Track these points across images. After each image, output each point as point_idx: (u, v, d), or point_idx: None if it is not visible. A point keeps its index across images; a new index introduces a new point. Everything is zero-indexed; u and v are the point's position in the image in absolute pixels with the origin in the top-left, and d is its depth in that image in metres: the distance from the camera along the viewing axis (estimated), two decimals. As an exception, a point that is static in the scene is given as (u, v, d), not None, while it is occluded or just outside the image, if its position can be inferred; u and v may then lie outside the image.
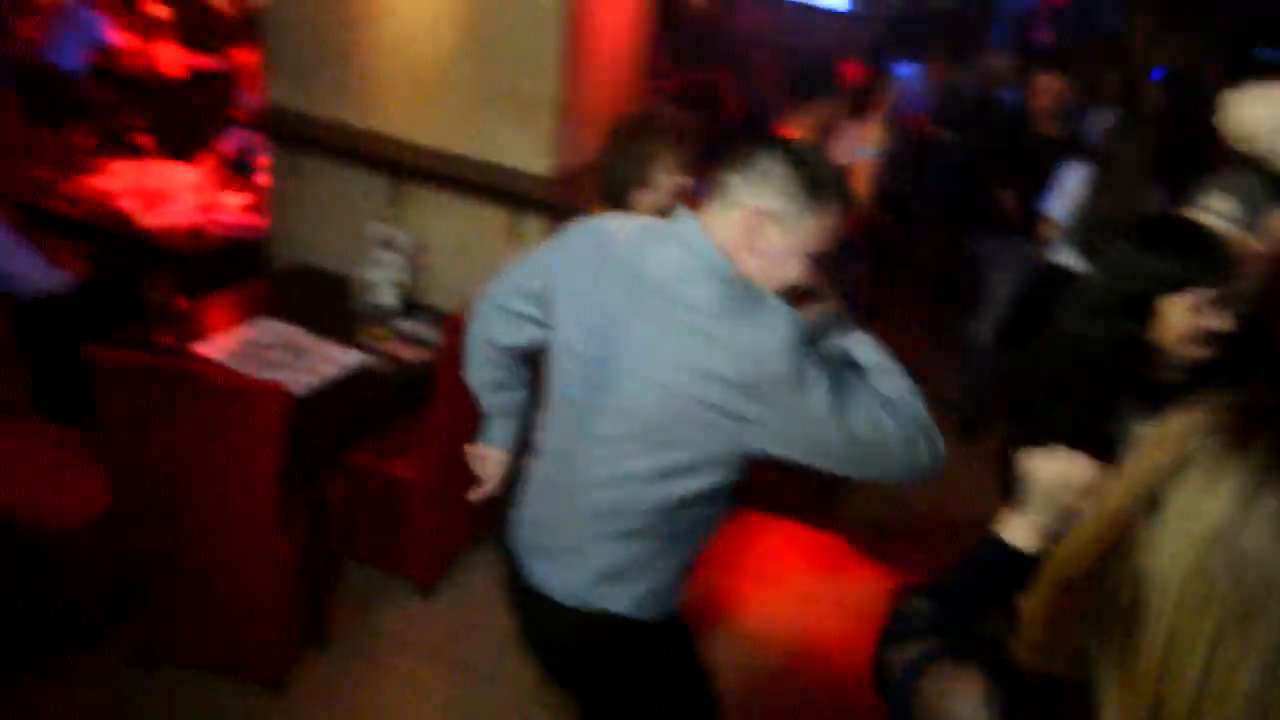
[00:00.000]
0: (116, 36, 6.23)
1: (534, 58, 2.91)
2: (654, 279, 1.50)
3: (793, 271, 1.50)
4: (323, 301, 3.19)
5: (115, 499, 2.43)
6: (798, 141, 1.57)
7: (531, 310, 1.74)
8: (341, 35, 3.17)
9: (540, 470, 1.76)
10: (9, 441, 2.78)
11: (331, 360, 2.80)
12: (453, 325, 2.67)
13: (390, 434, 3.04)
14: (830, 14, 10.70)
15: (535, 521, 1.77)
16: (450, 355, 2.70)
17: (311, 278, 3.38)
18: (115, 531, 2.51)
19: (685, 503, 1.57)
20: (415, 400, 2.86)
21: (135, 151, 3.92)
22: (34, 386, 3.02)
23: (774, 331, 1.41)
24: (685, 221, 1.53)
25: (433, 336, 3.00)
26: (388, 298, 3.14)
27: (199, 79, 6.21)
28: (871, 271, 4.41)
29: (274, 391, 2.21)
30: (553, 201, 2.99)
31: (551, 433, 1.71)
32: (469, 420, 3.00)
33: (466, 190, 3.11)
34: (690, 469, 1.53)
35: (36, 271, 3.07)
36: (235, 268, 3.61)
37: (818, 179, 1.46)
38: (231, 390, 2.20)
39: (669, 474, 1.54)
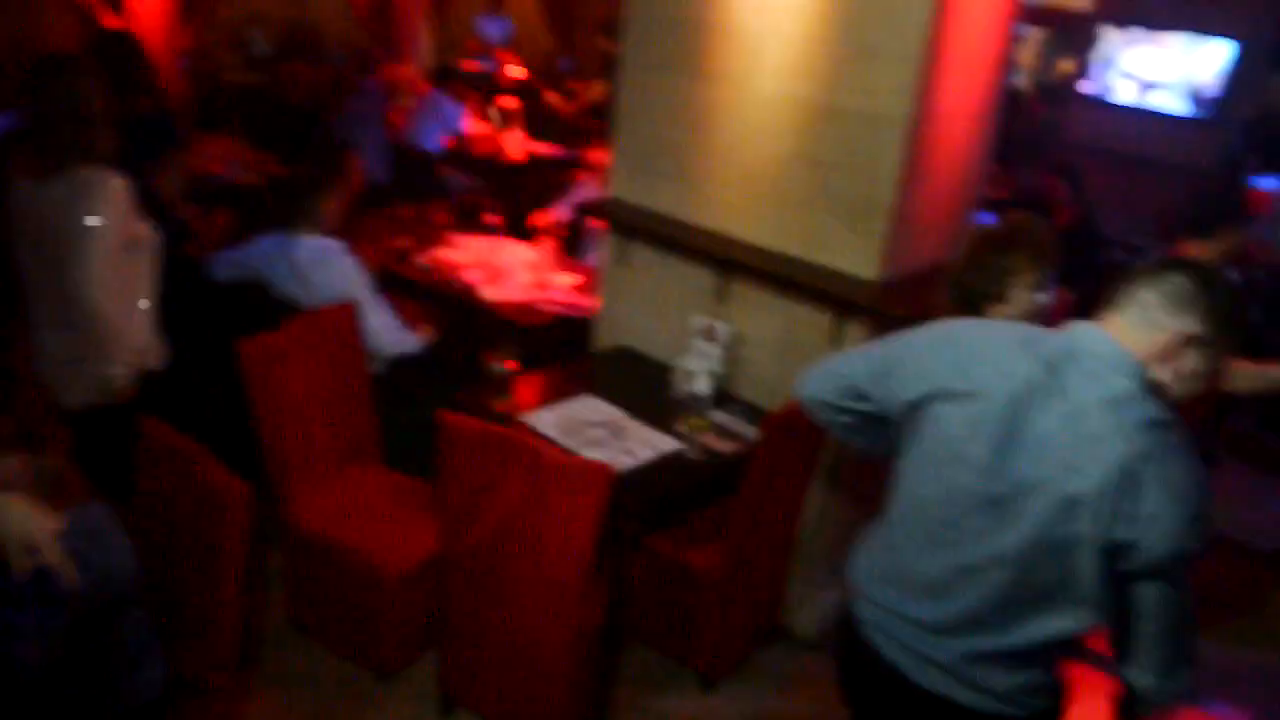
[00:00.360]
0: (471, 124, 6.96)
1: (871, 165, 2.90)
2: (1063, 384, 1.59)
3: (1199, 389, 1.59)
4: (641, 384, 3.32)
5: (443, 548, 2.61)
6: (1212, 268, 1.62)
7: (861, 406, 1.96)
8: (682, 136, 3.33)
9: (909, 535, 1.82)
10: (360, 486, 3.09)
11: (648, 444, 2.89)
12: (770, 423, 2.68)
13: (692, 523, 3.08)
14: (1171, 119, 10.01)
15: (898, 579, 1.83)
16: (764, 452, 2.71)
17: (632, 360, 3.53)
18: (437, 578, 2.70)
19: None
20: (720, 492, 2.89)
21: (485, 229, 4.30)
22: (383, 437, 3.34)
23: None
24: (1092, 331, 1.64)
25: (746, 431, 3.02)
26: (703, 387, 3.21)
27: (540, 165, 6.79)
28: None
29: (600, 470, 2.30)
30: (878, 308, 2.94)
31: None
32: (772, 521, 3.02)
33: (790, 289, 3.14)
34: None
35: (395, 333, 3.42)
36: (562, 344, 3.86)
37: (1237, 310, 1.56)
38: (562, 465, 2.31)
39: None
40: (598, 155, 4.45)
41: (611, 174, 3.59)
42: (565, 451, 2.71)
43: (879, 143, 2.88)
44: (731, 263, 3.24)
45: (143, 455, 2.29)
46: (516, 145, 6.82)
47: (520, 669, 2.64)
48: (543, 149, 7.04)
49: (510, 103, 7.07)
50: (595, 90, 6.93)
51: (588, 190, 4.66)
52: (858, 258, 3.01)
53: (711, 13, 3.18)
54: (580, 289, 4.14)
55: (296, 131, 6.29)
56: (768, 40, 3.08)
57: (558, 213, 4.60)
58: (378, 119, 6.47)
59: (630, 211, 3.52)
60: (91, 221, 2.56)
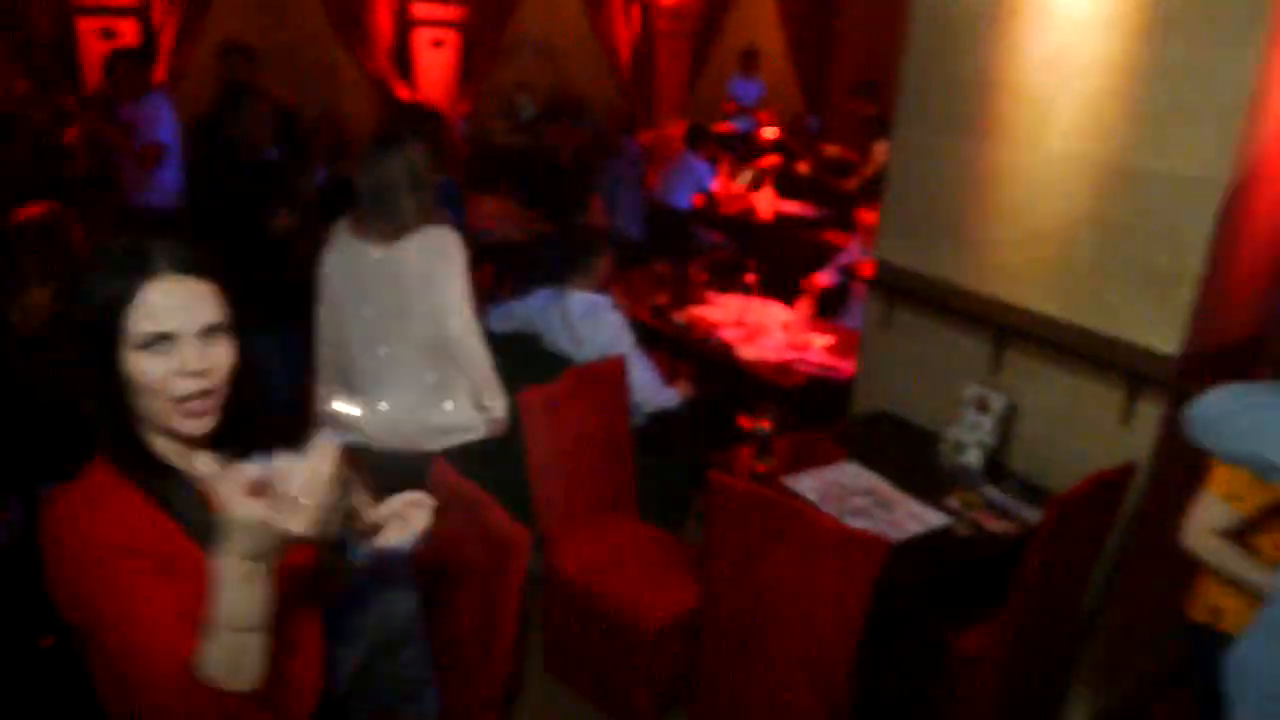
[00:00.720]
0: (721, 184, 7.08)
1: (1176, 234, 2.68)
2: None
3: None
4: (904, 453, 3.19)
5: (704, 607, 2.60)
6: None
7: None
8: (958, 198, 3.22)
9: None
10: (617, 537, 3.14)
11: (916, 517, 2.76)
12: (1057, 505, 2.49)
13: (958, 606, 2.91)
14: None
15: None
16: (1046, 535, 2.52)
17: (894, 427, 3.42)
18: (694, 635, 2.68)
19: None
20: (989, 574, 2.72)
21: (741, 288, 4.33)
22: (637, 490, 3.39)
23: None
24: None
25: (1022, 510, 2.84)
26: (973, 460, 3.05)
27: (788, 224, 6.79)
28: None
29: (876, 543, 2.21)
30: (1179, 385, 2.69)
31: None
32: (1049, 609, 2.80)
33: (1075, 360, 2.94)
34: None
35: (656, 387, 3.48)
36: (817, 406, 3.80)
37: None
38: (838, 534, 2.24)
39: None
40: (865, 216, 4.38)
41: (879, 235, 3.52)
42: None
43: (1185, 207, 2.66)
44: (1009, 330, 3.08)
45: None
46: (767, 205, 6.86)
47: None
48: (792, 208, 7.05)
49: (769, 161, 7.15)
50: (879, 154, 6.85)
51: (853, 252, 4.59)
52: (1154, 329, 2.77)
53: (995, 71, 3.07)
54: (834, 351, 4.07)
55: (561, 190, 6.62)
56: (1058, 98, 2.92)
57: (825, 276, 4.55)
58: (636, 178, 6.71)
59: (898, 274, 3.43)
60: (454, 271, 2.78)
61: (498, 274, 5.55)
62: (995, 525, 2.77)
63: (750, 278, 4.29)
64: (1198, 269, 2.66)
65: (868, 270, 3.54)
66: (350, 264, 2.80)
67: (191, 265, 1.21)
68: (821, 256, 6.32)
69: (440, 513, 2.38)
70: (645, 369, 3.44)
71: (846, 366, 3.96)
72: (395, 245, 2.77)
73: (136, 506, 1.21)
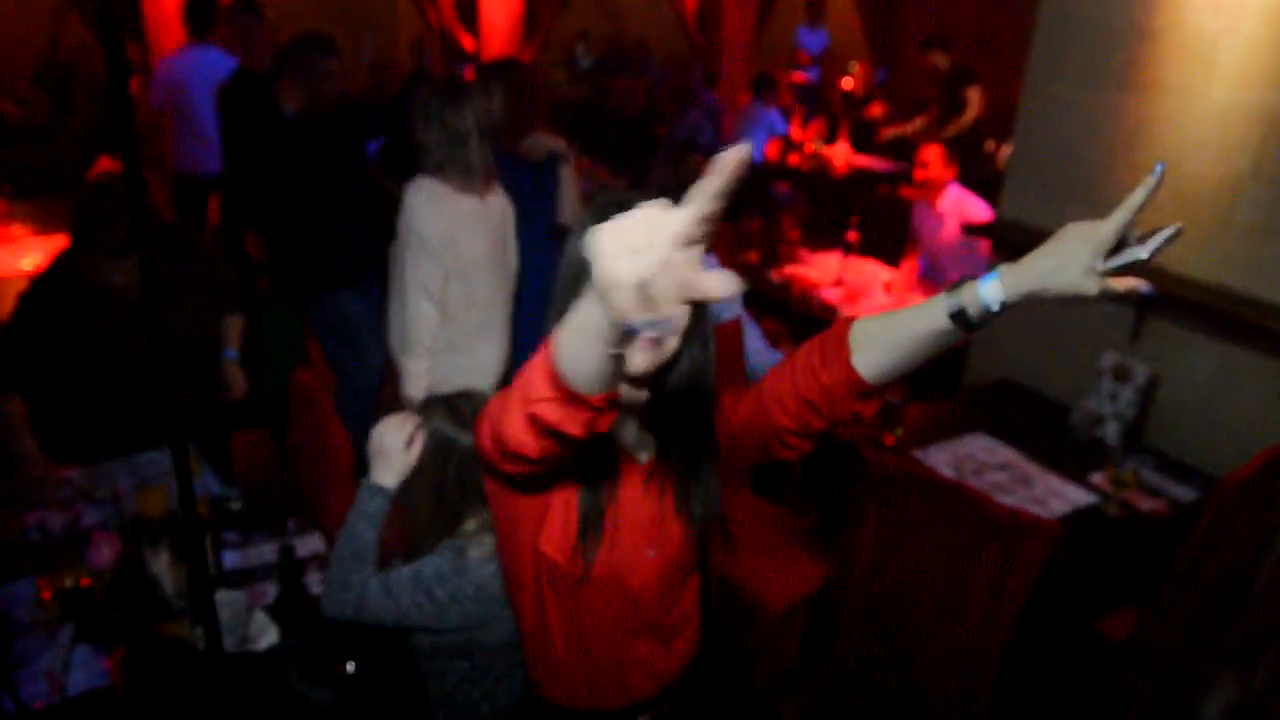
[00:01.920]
0: (796, 134, 6.83)
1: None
2: None
3: None
4: (1035, 424, 3.02)
5: (841, 584, 2.46)
6: None
7: None
8: (1098, 154, 3.00)
9: None
10: (734, 511, 3.00)
11: (1059, 495, 2.60)
12: (1225, 487, 2.31)
13: (1102, 587, 2.76)
14: None
15: None
16: (1210, 518, 2.35)
17: (1020, 396, 3.24)
18: (822, 615, 2.55)
19: None
20: (1135, 555, 2.56)
21: (844, 246, 4.13)
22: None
23: None
24: None
25: (1172, 488, 2.67)
26: (1111, 434, 2.87)
27: (863, 178, 6.56)
28: None
29: (1047, 527, 2.05)
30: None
31: None
32: (1201, 594, 2.64)
33: (1229, 328, 2.74)
34: None
35: (766, 352, 3.32)
36: (920, 373, 3.62)
37: None
38: (1005, 516, 2.08)
39: None
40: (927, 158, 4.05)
41: (1004, 192, 3.32)
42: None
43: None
44: (1153, 294, 2.88)
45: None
46: (841, 159, 6.63)
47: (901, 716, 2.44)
48: (867, 162, 6.81)
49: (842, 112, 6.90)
50: (973, 100, 6.54)
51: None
52: (1326, 297, 2.58)
53: (1148, 17, 2.84)
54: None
55: (626, 144, 6.42)
56: (1221, 43, 2.70)
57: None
58: (712, 130, 6.49)
59: (1025, 231, 3.22)
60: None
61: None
62: (1146, 504, 2.60)
63: (852, 235, 4.08)
64: (1384, 231, 2.45)
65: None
66: (450, 216, 2.70)
67: None
68: (902, 212, 6.12)
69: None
70: (755, 332, 3.28)
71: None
72: (487, 195, 2.79)
73: None
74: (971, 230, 3.38)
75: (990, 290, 1.07)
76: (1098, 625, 2.64)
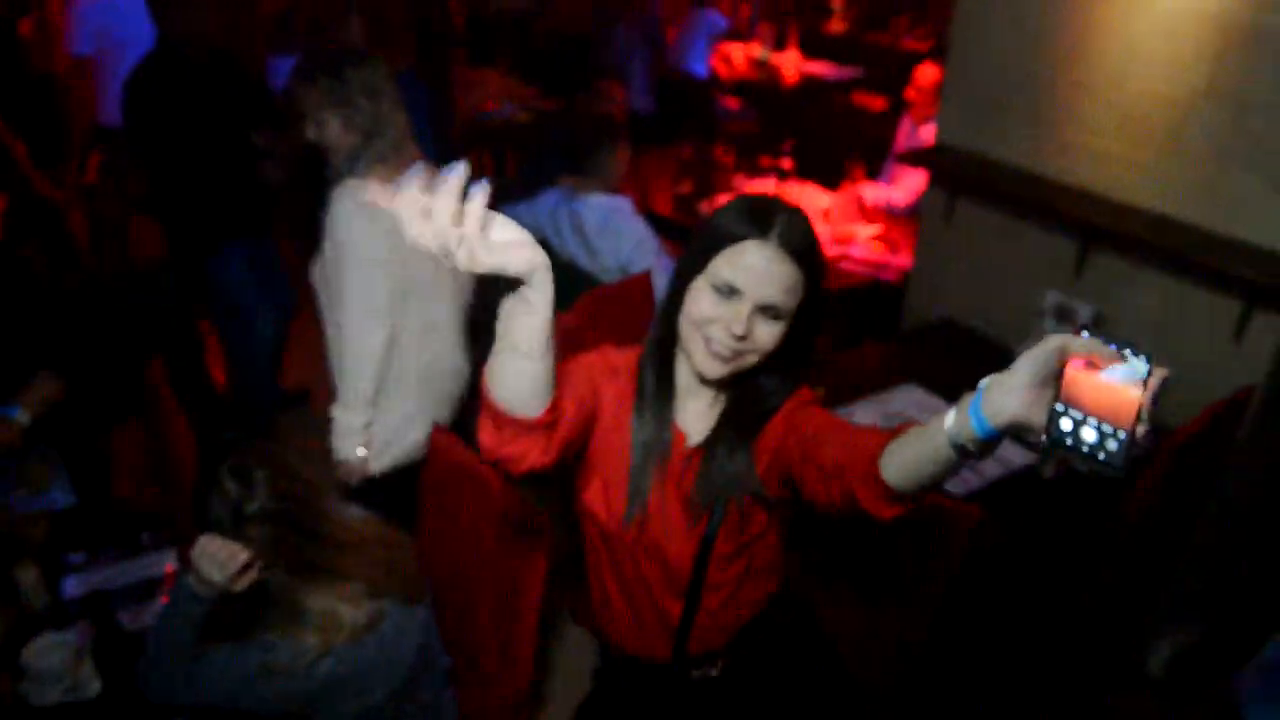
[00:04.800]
0: (739, 48, 6.42)
1: (1322, 106, 2.19)
2: None
3: None
4: (972, 371, 2.77)
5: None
6: None
7: None
8: (1041, 68, 2.71)
9: None
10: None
11: (995, 458, 2.39)
12: (1167, 450, 2.11)
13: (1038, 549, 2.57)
14: None
15: None
16: (1153, 479, 2.15)
17: (958, 338, 3.00)
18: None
19: None
20: (1073, 512, 2.37)
21: (777, 173, 3.84)
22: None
23: None
24: None
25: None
26: (1053, 381, 2.65)
27: (816, 88, 6.19)
28: None
29: (967, 516, 1.84)
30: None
31: None
32: (1142, 552, 2.46)
33: (1180, 265, 2.50)
34: None
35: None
36: (861, 309, 3.38)
37: None
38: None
39: None
40: (924, 75, 3.76)
41: (941, 114, 3.02)
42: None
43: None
44: (1098, 228, 2.62)
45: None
46: (792, 67, 6.25)
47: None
48: (819, 69, 6.43)
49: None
50: None
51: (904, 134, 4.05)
52: (1285, 228, 2.33)
53: (1092, -90, 2.52)
54: (883, 243, 3.61)
55: (565, 61, 6.01)
56: (1172, -57, 2.39)
57: (892, 190, 3.95)
58: (652, 43, 6.05)
59: (962, 158, 2.95)
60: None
61: (498, 161, 5.05)
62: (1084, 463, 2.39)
63: (786, 162, 3.78)
64: (1347, 154, 2.19)
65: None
66: (393, 222, 2.11)
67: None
68: (858, 125, 5.77)
69: (440, 492, 2.03)
70: (667, 270, 3.01)
71: (898, 261, 3.51)
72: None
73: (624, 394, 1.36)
74: (904, 158, 3.09)
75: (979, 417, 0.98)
76: (1040, 589, 2.47)
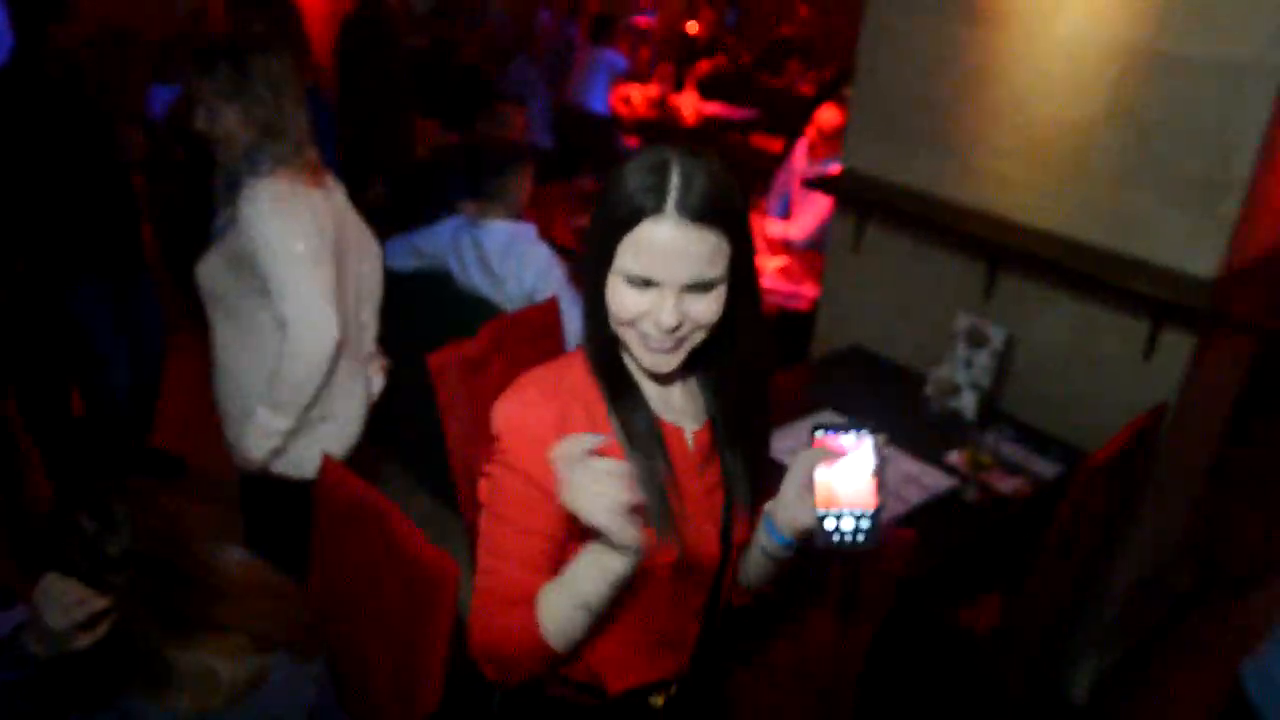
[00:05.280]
0: (640, 89, 6.43)
1: (1222, 132, 2.23)
2: None
3: None
4: (885, 398, 2.76)
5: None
6: None
7: None
8: (944, 93, 2.71)
9: None
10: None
11: (915, 481, 2.33)
12: (1089, 469, 2.07)
13: (961, 578, 2.52)
14: None
15: None
16: (1073, 501, 2.11)
17: (869, 365, 2.96)
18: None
19: None
20: (996, 538, 2.33)
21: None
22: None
23: None
24: None
25: (1033, 463, 2.43)
26: (967, 405, 2.62)
27: (715, 128, 6.23)
28: None
29: (902, 540, 1.75)
30: (1212, 312, 2.28)
31: None
32: (1065, 576, 2.43)
33: (1088, 286, 2.51)
34: None
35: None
36: (776, 341, 3.32)
37: None
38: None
39: None
40: (824, 118, 3.83)
41: (848, 140, 3.00)
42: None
43: (1233, 99, 2.20)
44: (1007, 250, 2.62)
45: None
46: (690, 108, 6.27)
47: None
48: (716, 110, 6.48)
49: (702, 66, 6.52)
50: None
51: (796, 167, 4.06)
52: (1186, 249, 2.35)
53: (992, -62, 2.54)
54: (790, 275, 3.58)
55: (463, 95, 5.89)
56: (1072, -30, 2.42)
57: (787, 224, 3.96)
58: (550, 81, 6.00)
59: (869, 184, 2.93)
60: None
61: (392, 197, 4.87)
62: (1006, 485, 2.35)
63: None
64: (1245, 175, 2.22)
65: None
66: (311, 215, 1.99)
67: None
68: (755, 164, 5.81)
69: (335, 533, 1.85)
70: (579, 310, 2.89)
71: (806, 292, 3.48)
72: (325, 181, 2.11)
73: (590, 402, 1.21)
74: (811, 185, 3.06)
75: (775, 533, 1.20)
76: (961, 616, 2.41)
